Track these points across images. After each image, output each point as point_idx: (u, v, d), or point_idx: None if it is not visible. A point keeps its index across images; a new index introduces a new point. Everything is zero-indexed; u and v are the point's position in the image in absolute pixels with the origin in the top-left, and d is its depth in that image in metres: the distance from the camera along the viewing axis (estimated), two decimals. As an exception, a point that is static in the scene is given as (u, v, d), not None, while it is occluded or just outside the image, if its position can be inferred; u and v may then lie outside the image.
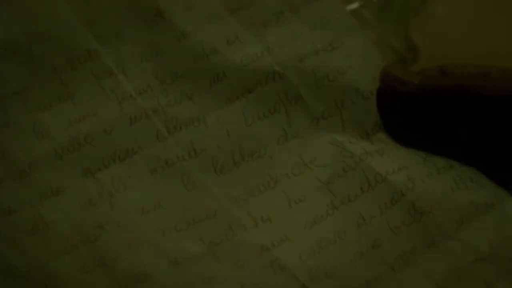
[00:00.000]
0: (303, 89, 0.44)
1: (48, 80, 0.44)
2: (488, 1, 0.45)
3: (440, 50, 0.45)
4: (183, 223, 0.41)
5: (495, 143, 0.42)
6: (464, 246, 0.40)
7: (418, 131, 0.43)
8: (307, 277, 0.40)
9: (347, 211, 0.41)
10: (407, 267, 0.40)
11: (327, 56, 0.45)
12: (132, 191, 0.42)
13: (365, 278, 0.40)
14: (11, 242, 0.40)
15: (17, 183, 0.42)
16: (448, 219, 0.40)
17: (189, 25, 0.45)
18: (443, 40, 0.45)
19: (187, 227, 0.41)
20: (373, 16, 0.47)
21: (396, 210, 0.41)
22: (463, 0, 0.46)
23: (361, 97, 0.44)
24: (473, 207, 0.40)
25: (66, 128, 0.43)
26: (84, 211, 0.41)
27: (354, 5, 0.47)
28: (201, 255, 0.40)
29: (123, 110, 0.43)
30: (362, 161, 0.42)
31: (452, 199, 0.41)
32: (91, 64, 0.44)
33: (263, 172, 0.42)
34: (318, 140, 0.43)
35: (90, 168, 0.42)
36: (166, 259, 0.40)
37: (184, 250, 0.40)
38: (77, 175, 0.42)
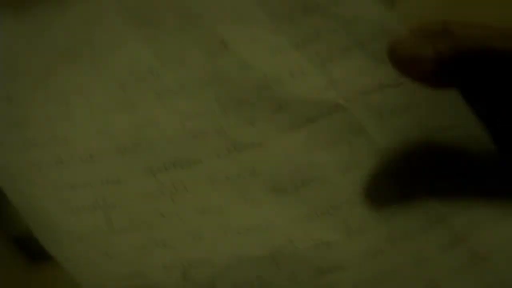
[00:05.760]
0: (367, 122, 0.43)
1: (111, 89, 0.44)
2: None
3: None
4: (245, 229, 0.41)
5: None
6: None
7: None
8: None
9: (406, 246, 0.40)
10: None
11: (392, 92, 0.44)
12: (192, 193, 0.42)
13: None
14: (72, 213, 0.41)
15: (78, 167, 0.42)
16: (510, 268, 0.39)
17: (252, 57, 0.45)
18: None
19: (247, 233, 0.41)
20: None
21: (455, 252, 0.40)
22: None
23: (425, 134, 0.43)
24: None
25: (128, 131, 0.43)
26: (145, 201, 0.41)
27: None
28: (263, 258, 0.40)
29: (184, 128, 0.43)
30: None
31: None
32: (153, 81, 0.44)
33: (323, 198, 0.42)
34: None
35: (152, 168, 0.42)
36: (229, 254, 0.40)
37: (247, 253, 0.40)
38: (138, 172, 0.42)
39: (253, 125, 0.43)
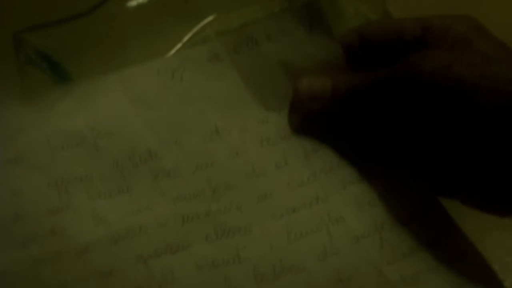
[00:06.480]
0: (345, 211, 0.46)
1: (109, 173, 0.46)
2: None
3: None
4: None
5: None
6: None
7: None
8: None
9: None
10: None
11: (369, 185, 0.47)
12: (179, 284, 0.43)
13: None
14: None
15: (73, 260, 0.43)
16: None
17: (242, 145, 0.48)
18: (418, 13, 0.46)
19: None
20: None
21: None
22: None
23: (401, 222, 0.46)
24: None
25: (123, 218, 0.45)
26: None
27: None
28: None
29: (177, 209, 0.45)
30: None
31: None
32: (151, 164, 0.46)
33: (300, 286, 0.44)
34: (357, 258, 0.45)
35: (143, 254, 0.44)
36: None
37: None
38: (130, 261, 0.43)
39: (240, 210, 0.46)
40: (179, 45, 0.51)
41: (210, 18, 0.52)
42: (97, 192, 0.45)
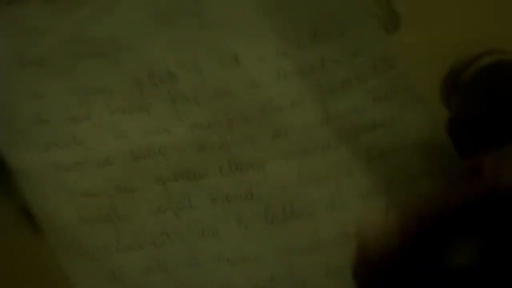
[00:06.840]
0: (355, 164, 0.45)
1: (129, 89, 0.45)
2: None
3: (421, 18, 0.46)
4: (235, 258, 0.42)
5: None
6: None
7: None
8: None
9: None
10: None
11: (384, 132, 0.46)
12: (195, 211, 0.43)
13: None
14: (85, 223, 0.42)
15: (95, 171, 0.43)
16: None
17: (260, 77, 0.47)
18: (424, 8, 0.46)
19: (237, 263, 0.42)
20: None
21: None
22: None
23: (409, 180, 0.45)
24: None
25: (142, 135, 0.44)
26: (153, 215, 0.42)
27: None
28: None
29: (194, 135, 0.45)
30: None
31: None
32: (170, 86, 0.46)
33: (307, 234, 0.43)
34: (364, 216, 0.44)
35: (162, 176, 0.43)
36: (219, 285, 0.42)
37: (234, 285, 0.42)
38: (149, 179, 0.43)
39: (254, 145, 0.45)
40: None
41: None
42: (116, 106, 0.45)
